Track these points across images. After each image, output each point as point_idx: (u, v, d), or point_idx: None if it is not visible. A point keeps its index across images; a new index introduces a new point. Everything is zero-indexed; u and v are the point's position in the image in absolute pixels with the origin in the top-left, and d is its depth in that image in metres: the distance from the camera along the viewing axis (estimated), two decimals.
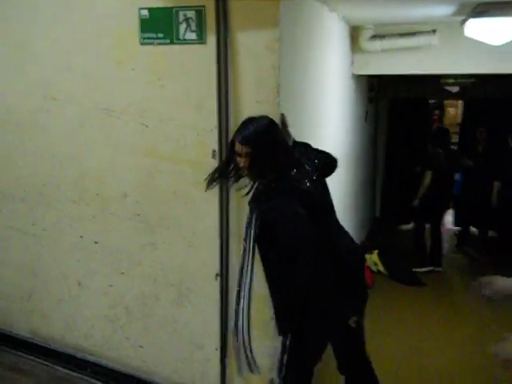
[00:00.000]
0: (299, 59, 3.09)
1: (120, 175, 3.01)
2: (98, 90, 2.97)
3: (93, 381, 3.13)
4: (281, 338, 2.42)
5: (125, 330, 3.15)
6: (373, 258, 6.10)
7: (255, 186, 2.31)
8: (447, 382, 3.65)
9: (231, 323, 2.84)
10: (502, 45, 4.07)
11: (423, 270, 6.02)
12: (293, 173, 2.23)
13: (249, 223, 2.24)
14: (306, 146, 2.56)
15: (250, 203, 2.29)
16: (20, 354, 3.33)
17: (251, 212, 2.23)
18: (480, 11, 3.61)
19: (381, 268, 6.01)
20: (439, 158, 5.95)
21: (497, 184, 6.27)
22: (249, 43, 2.63)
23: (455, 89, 7.35)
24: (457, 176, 6.54)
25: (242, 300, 2.36)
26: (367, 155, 6.91)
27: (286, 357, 2.34)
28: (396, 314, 4.79)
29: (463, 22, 3.94)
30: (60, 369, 3.21)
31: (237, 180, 2.42)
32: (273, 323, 2.81)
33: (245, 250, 2.27)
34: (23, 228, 3.31)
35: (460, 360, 3.94)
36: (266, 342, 2.86)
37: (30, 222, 3.28)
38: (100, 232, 3.11)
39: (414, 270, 5.98)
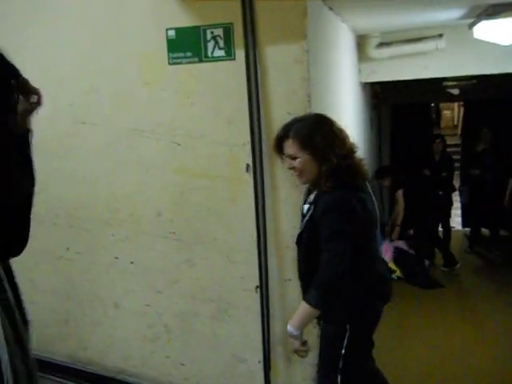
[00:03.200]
0: (323, 70, 3.14)
1: (152, 194, 3.03)
2: (127, 111, 3.01)
3: None
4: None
5: (165, 348, 3.15)
6: (389, 266, 6.11)
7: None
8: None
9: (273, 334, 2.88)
10: (508, 45, 4.16)
11: None
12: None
13: None
14: None
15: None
16: (58, 379, 3.32)
17: None
18: (490, 13, 3.69)
19: (399, 274, 6.04)
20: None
21: (511, 182, 6.33)
22: (277, 57, 2.68)
23: (456, 91, 7.44)
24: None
25: None
26: (374, 163, 6.96)
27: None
28: (420, 318, 4.81)
29: (472, 24, 4.02)
30: None
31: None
32: (314, 332, 2.85)
33: None
34: (56, 252, 3.31)
35: (491, 360, 3.96)
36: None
37: (63, 246, 3.29)
38: (135, 252, 3.12)
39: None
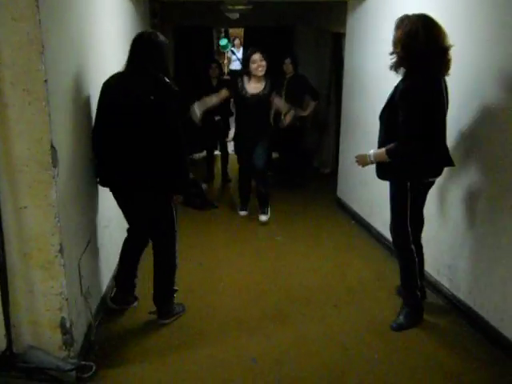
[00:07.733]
0: None
1: None
2: None
3: None
4: None
5: None
6: None
7: None
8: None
9: None
10: None
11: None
12: None
13: None
14: None
15: None
16: None
17: None
18: None
19: None
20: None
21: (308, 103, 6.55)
22: None
23: (235, 16, 7.45)
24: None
25: None
26: None
27: None
28: (191, 239, 4.88)
29: None
30: None
31: None
32: (57, 261, 2.67)
33: None
34: None
35: (248, 275, 4.22)
36: (50, 283, 2.70)
37: None
38: None
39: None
